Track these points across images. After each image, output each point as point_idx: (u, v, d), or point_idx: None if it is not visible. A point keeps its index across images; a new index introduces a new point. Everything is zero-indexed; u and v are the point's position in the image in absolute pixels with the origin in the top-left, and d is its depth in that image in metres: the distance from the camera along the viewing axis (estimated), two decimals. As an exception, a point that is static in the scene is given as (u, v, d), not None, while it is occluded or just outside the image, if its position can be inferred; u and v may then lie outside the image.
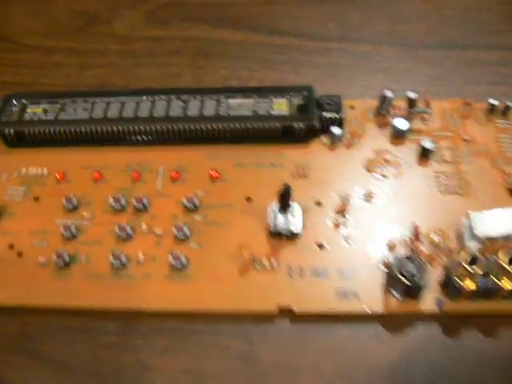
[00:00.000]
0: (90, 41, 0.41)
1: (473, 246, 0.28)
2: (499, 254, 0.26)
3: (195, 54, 0.40)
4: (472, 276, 0.26)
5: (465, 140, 0.33)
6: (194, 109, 0.33)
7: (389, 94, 0.33)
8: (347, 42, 0.40)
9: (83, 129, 0.33)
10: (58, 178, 0.32)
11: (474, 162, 0.32)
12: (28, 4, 0.45)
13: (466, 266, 0.26)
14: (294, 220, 0.29)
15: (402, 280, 0.26)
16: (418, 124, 0.33)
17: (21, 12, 0.44)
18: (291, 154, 0.32)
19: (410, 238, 0.29)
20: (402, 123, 0.32)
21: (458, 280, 0.26)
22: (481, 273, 0.26)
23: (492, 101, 0.33)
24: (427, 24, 0.41)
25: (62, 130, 0.33)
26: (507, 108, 0.33)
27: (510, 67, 0.37)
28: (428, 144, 0.31)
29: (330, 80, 0.37)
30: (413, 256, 0.27)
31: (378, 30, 0.41)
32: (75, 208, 0.31)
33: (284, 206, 0.28)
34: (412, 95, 0.33)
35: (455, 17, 0.41)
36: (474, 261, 0.26)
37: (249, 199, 0.31)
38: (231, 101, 0.33)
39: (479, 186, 0.31)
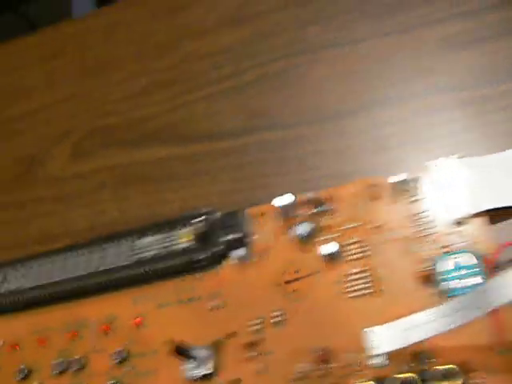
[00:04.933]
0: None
1: (377, 362, 0.27)
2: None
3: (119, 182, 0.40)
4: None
5: (375, 228, 0.31)
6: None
7: (278, 203, 0.32)
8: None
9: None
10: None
11: (384, 252, 0.31)
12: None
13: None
14: (204, 362, 0.30)
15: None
16: (327, 220, 0.32)
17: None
18: (202, 285, 0.33)
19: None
20: (303, 228, 0.32)
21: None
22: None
23: (393, 179, 0.31)
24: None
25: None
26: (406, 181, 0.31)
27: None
28: (328, 249, 0.30)
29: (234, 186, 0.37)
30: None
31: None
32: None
33: (187, 358, 0.29)
34: (309, 195, 0.32)
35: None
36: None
37: (171, 342, 0.32)
38: (139, 242, 0.34)
39: (390, 280, 0.30)
